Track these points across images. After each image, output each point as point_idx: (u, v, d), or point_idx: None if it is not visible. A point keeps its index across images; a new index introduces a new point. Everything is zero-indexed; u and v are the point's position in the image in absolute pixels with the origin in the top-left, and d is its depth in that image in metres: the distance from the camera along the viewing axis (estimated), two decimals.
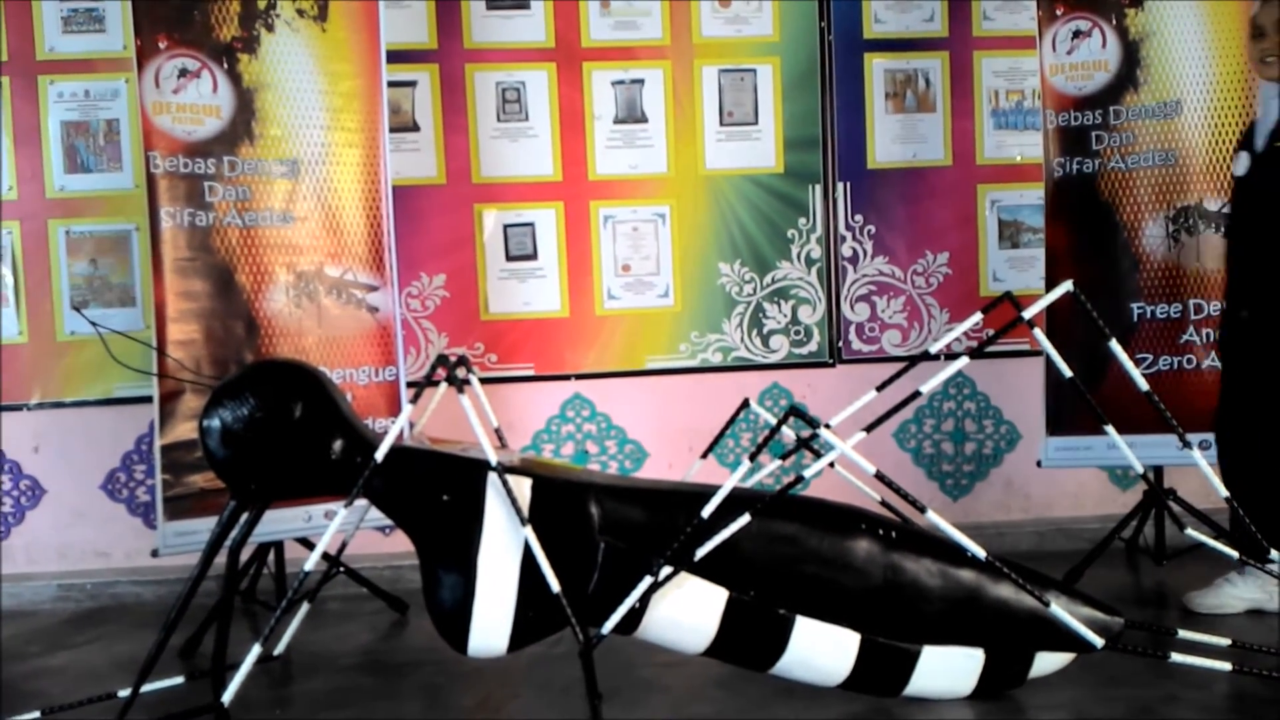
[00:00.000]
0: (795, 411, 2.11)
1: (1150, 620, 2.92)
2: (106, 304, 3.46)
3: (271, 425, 2.10)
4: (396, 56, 3.38)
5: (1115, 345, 2.23)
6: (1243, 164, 2.71)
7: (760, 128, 3.61)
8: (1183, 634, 2.45)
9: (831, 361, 3.68)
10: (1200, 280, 3.20)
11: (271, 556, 3.13)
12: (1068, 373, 2.38)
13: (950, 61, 3.66)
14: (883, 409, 2.17)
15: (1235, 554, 2.44)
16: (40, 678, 2.72)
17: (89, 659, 2.87)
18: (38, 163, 3.44)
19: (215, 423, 2.10)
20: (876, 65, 3.64)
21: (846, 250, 3.67)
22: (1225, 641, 2.45)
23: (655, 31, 3.58)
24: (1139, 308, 3.24)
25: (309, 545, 3.04)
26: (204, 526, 2.84)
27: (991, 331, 2.25)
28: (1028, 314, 2.17)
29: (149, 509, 3.48)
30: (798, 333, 3.66)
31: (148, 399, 2.99)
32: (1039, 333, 2.31)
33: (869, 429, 2.16)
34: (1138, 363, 3.23)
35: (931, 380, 2.18)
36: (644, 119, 3.58)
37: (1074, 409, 3.15)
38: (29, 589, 3.41)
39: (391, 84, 3.34)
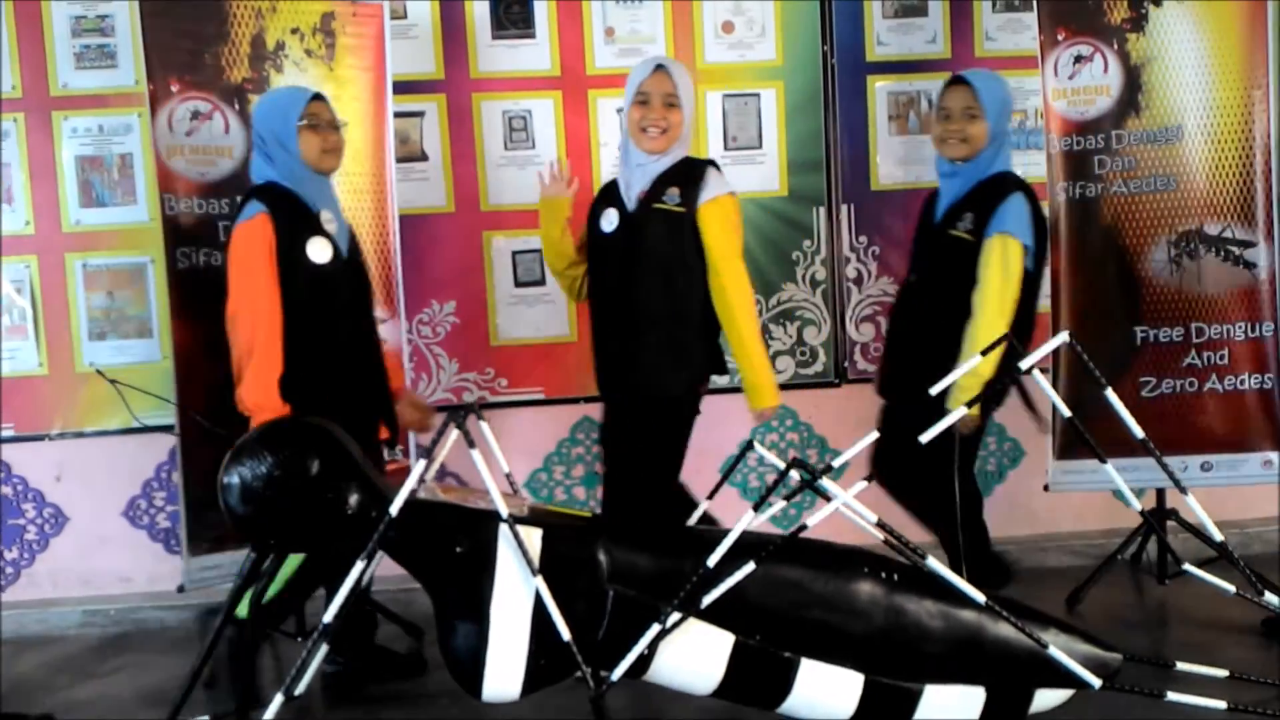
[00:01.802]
0: (798, 463, 2.16)
1: (1151, 644, 3.00)
2: (124, 335, 3.52)
3: (289, 482, 2.16)
4: (403, 87, 3.43)
5: (1111, 395, 2.28)
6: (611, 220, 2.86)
7: (764, 151, 3.65)
8: (1181, 666, 2.50)
9: (837, 382, 3.73)
10: (1202, 304, 3.24)
11: None
12: (1067, 413, 2.43)
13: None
14: None
15: (1231, 588, 2.49)
16: (71, 711, 2.80)
17: (116, 690, 2.96)
18: (54, 197, 3.50)
19: (234, 480, 2.16)
20: (879, 88, 3.67)
21: (851, 271, 3.71)
22: (1223, 673, 2.51)
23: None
24: (1142, 331, 3.27)
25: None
26: (227, 560, 2.93)
27: None
28: (1025, 364, 2.21)
29: (169, 535, 3.57)
30: (803, 354, 3.70)
31: (166, 428, 3.06)
32: (1040, 377, 2.35)
33: (869, 478, 2.22)
34: (1140, 386, 3.28)
35: (931, 430, 2.23)
36: None
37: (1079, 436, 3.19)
38: (55, 615, 3.50)
39: (399, 114, 3.39)
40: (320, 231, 2.65)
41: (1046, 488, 3.40)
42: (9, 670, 3.09)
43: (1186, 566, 2.50)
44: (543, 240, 2.98)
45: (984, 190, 2.82)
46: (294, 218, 2.62)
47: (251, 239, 2.55)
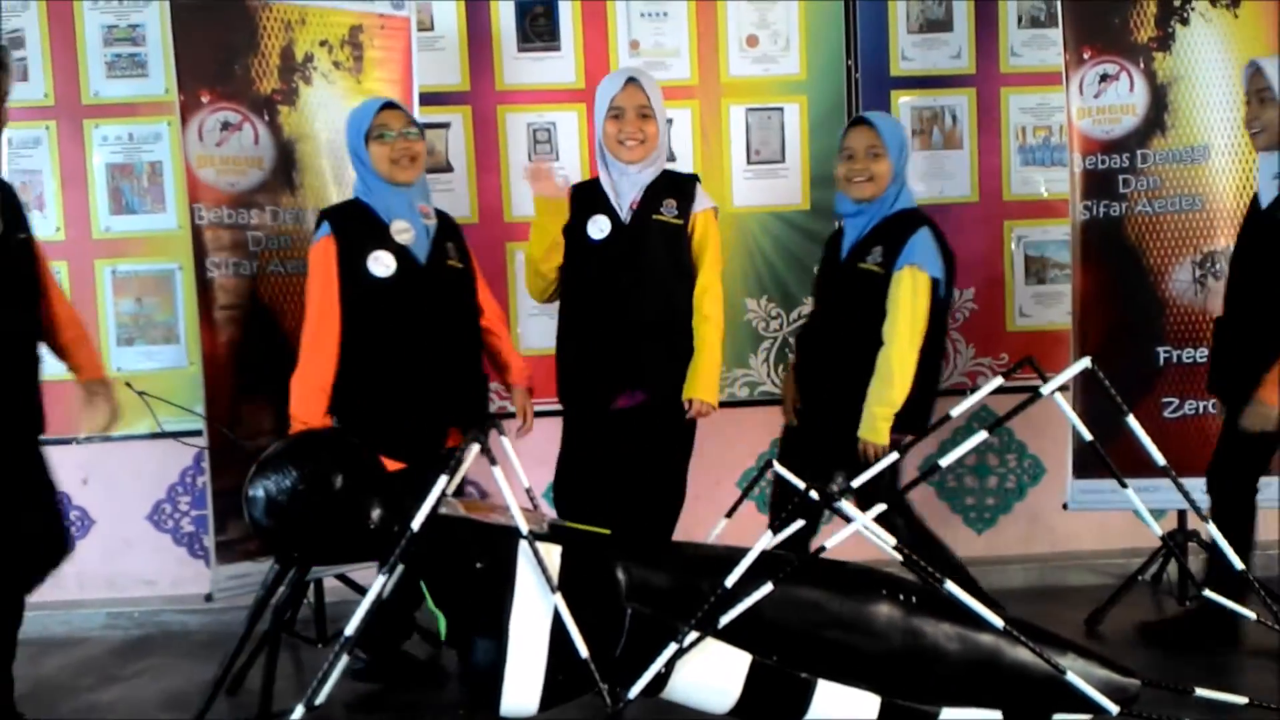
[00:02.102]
0: (815, 486, 2.17)
1: (1170, 667, 2.98)
2: (151, 341, 3.57)
3: (313, 496, 2.18)
4: (430, 99, 3.46)
5: (1133, 421, 2.27)
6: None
7: (787, 165, 3.65)
8: (1200, 692, 2.49)
9: None
10: None
11: (311, 591, 3.23)
12: (1088, 436, 2.42)
13: (977, 98, 3.68)
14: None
15: (1252, 615, 2.48)
16: (94, 713, 2.84)
17: (139, 694, 2.99)
18: (84, 204, 3.55)
19: (259, 493, 2.19)
20: (903, 103, 3.67)
21: None
22: (1243, 700, 2.50)
23: (684, 72, 3.63)
24: (1165, 352, 3.26)
25: (348, 581, 3.15)
26: (255, 570, 2.96)
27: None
28: (1045, 390, 2.21)
29: (193, 539, 3.61)
30: None
31: (193, 432, 3.10)
32: (1061, 400, 2.35)
33: (889, 501, 2.23)
34: (1163, 407, 3.26)
35: (951, 454, 2.23)
36: (673, 158, 3.61)
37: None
38: (79, 616, 3.54)
39: (425, 126, 3.41)
40: (385, 245, 2.70)
41: (1066, 506, 3.39)
42: (33, 671, 3.13)
43: (1206, 592, 2.49)
44: (540, 242, 2.90)
45: (890, 225, 2.83)
46: (360, 233, 2.71)
47: (316, 261, 2.70)
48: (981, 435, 2.24)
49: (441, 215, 2.86)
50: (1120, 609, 3.33)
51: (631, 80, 2.86)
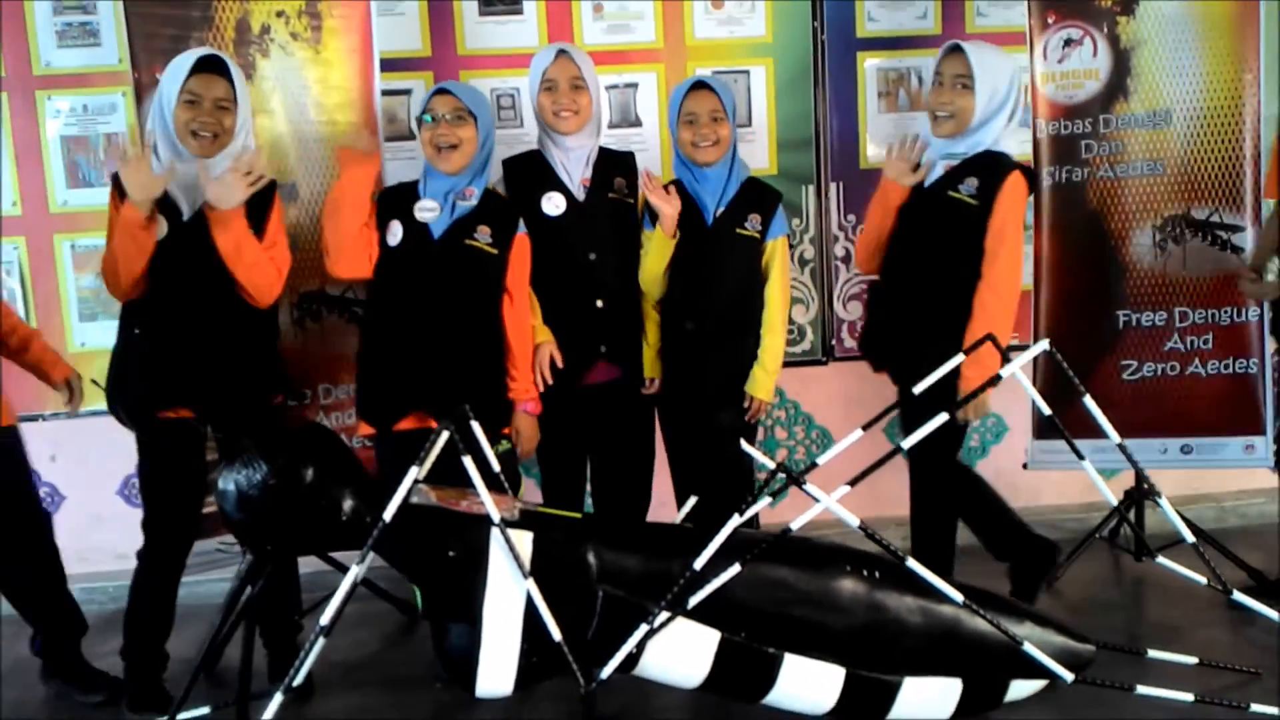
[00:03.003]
0: (782, 468, 2.21)
1: (1125, 623, 3.09)
2: (114, 315, 3.49)
3: (284, 489, 2.20)
4: (390, 65, 3.39)
5: (1089, 401, 2.32)
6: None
7: (754, 129, 3.64)
8: (1152, 654, 2.60)
9: (824, 360, 3.77)
10: (1186, 288, 3.28)
11: None
12: (1047, 411, 2.48)
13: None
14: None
15: (1202, 579, 2.56)
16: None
17: (116, 668, 3.00)
18: (40, 178, 3.48)
19: (230, 487, 2.21)
20: (869, 64, 3.65)
21: (839, 250, 3.73)
22: (1193, 660, 2.60)
23: (648, 34, 3.59)
24: (1125, 315, 3.31)
25: (325, 558, 3.17)
26: (227, 544, 2.99)
27: None
28: (1005, 372, 2.26)
29: None
30: (791, 332, 3.73)
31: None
32: (1021, 377, 2.40)
33: (853, 483, 2.27)
34: (1123, 369, 3.32)
35: (912, 436, 2.28)
36: (638, 123, 3.62)
37: (1061, 414, 3.21)
38: None
39: (386, 93, 3.37)
40: (404, 216, 2.72)
41: (1025, 465, 3.46)
42: (11, 650, 3.16)
43: (1160, 559, 2.57)
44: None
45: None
46: (392, 201, 2.75)
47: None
48: (943, 417, 2.28)
49: (491, 197, 2.80)
50: (1078, 565, 3.43)
51: (562, 52, 2.87)
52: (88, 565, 3.61)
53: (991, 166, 2.78)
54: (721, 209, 2.90)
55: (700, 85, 2.88)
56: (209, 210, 2.58)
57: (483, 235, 2.74)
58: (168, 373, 2.64)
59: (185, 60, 2.62)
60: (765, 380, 2.91)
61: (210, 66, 2.62)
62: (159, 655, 2.81)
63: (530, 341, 2.82)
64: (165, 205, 2.61)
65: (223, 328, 2.66)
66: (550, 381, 2.79)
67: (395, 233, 2.72)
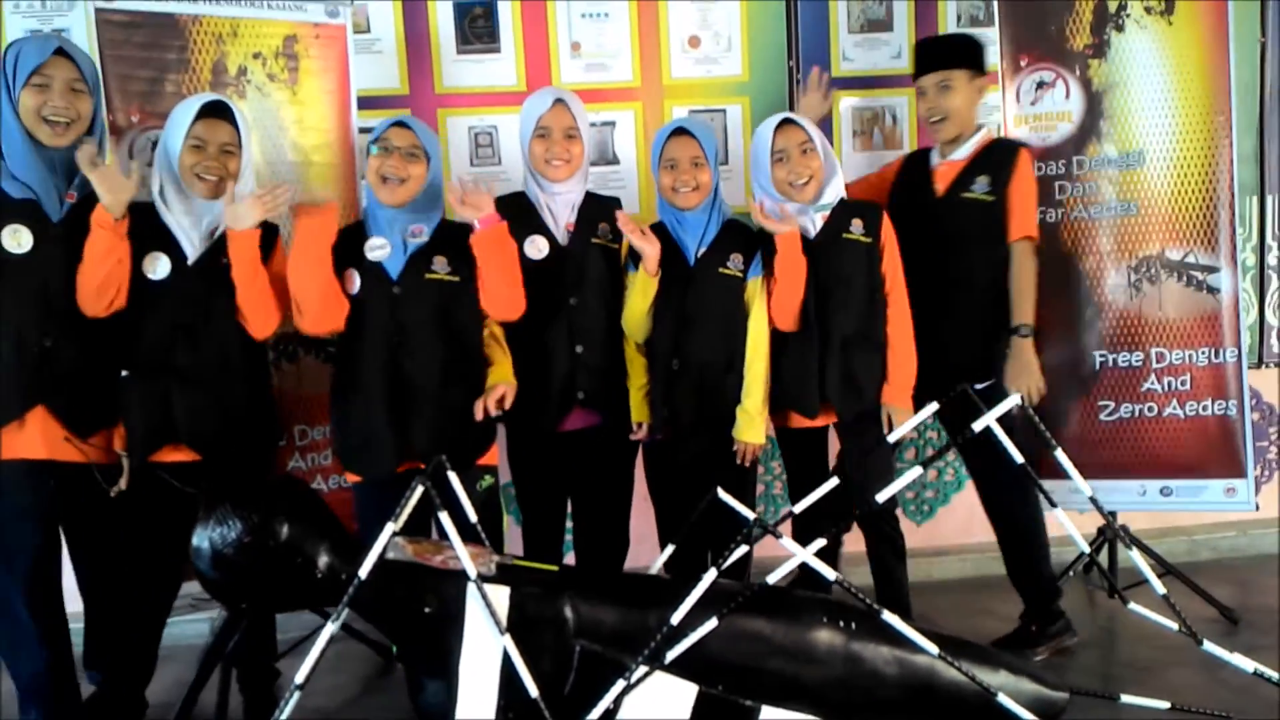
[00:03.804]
0: (760, 523, 2.22)
1: (1099, 662, 3.11)
2: None
3: (258, 547, 2.19)
4: (367, 103, 3.39)
5: (1062, 455, 2.34)
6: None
7: (730, 168, 3.65)
8: (1125, 699, 2.61)
9: None
10: (1163, 329, 3.30)
11: None
12: (1019, 459, 2.49)
13: (917, 98, 3.68)
14: None
15: (1174, 625, 2.58)
16: None
17: None
18: None
19: (204, 545, 2.20)
20: (845, 103, 3.67)
21: None
22: (1165, 705, 2.61)
23: (626, 73, 3.60)
24: (1101, 356, 3.33)
25: None
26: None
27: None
28: (978, 425, 2.27)
29: None
30: None
31: None
32: (997, 428, 2.41)
33: (829, 536, 2.29)
34: (1099, 409, 3.35)
35: (887, 490, 2.29)
36: (616, 161, 3.62)
37: (1038, 455, 3.20)
38: None
39: (364, 130, 3.35)
40: (356, 261, 2.68)
41: None
42: None
43: (1132, 606, 2.59)
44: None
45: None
46: (342, 245, 2.67)
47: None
48: (916, 471, 2.30)
49: (442, 227, 2.78)
50: None
51: (559, 101, 2.87)
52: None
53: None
54: (703, 249, 2.92)
55: (681, 131, 2.89)
56: (230, 233, 2.58)
57: (440, 265, 2.72)
58: (165, 415, 2.60)
59: (191, 105, 2.62)
60: (748, 422, 2.90)
61: (215, 111, 2.62)
62: (138, 701, 2.78)
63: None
64: (169, 246, 2.61)
65: (224, 370, 2.65)
66: (493, 414, 2.71)
67: (354, 282, 2.69)
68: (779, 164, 2.90)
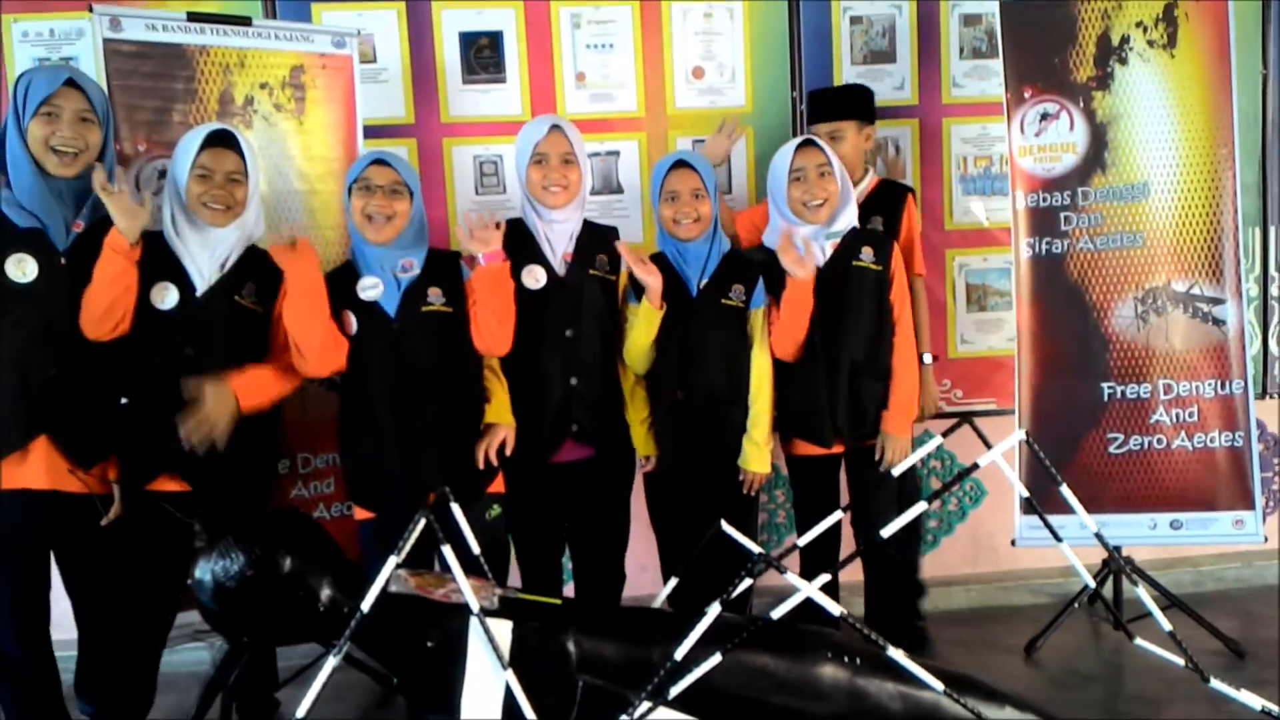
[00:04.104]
0: (765, 558, 2.21)
1: (1104, 696, 3.10)
2: None
3: (261, 580, 2.19)
4: (373, 131, 3.40)
5: (1066, 491, 2.33)
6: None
7: (733, 196, 3.66)
8: None
9: None
10: (1170, 361, 3.30)
11: None
12: (1024, 493, 2.49)
13: (920, 128, 3.71)
14: None
15: (1180, 661, 2.57)
16: None
17: None
18: None
19: (207, 577, 2.19)
20: None
21: None
22: None
23: (630, 104, 3.61)
24: (1109, 387, 3.33)
25: None
26: None
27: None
28: (983, 461, 2.27)
29: None
30: None
31: None
32: (1004, 463, 2.40)
33: (833, 572, 2.28)
34: (1108, 442, 3.34)
35: (891, 525, 2.29)
36: (619, 190, 3.63)
37: (1046, 490, 3.16)
38: None
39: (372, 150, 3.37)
40: (351, 302, 2.68)
41: (1014, 542, 3.43)
42: None
43: (1139, 642, 2.58)
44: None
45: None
46: (337, 289, 2.67)
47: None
48: (921, 506, 2.29)
49: (431, 255, 2.78)
50: (1058, 634, 3.43)
51: (555, 127, 2.88)
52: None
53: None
54: (705, 280, 2.92)
55: (681, 163, 2.90)
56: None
57: (435, 297, 2.72)
58: (163, 445, 2.58)
59: (196, 135, 2.63)
60: (755, 452, 2.91)
61: (220, 141, 2.63)
62: None
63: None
64: (178, 277, 2.61)
65: None
66: (495, 463, 2.73)
67: (352, 322, 2.69)
68: (796, 183, 2.93)
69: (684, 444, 2.90)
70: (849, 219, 2.98)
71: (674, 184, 2.89)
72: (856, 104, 3.27)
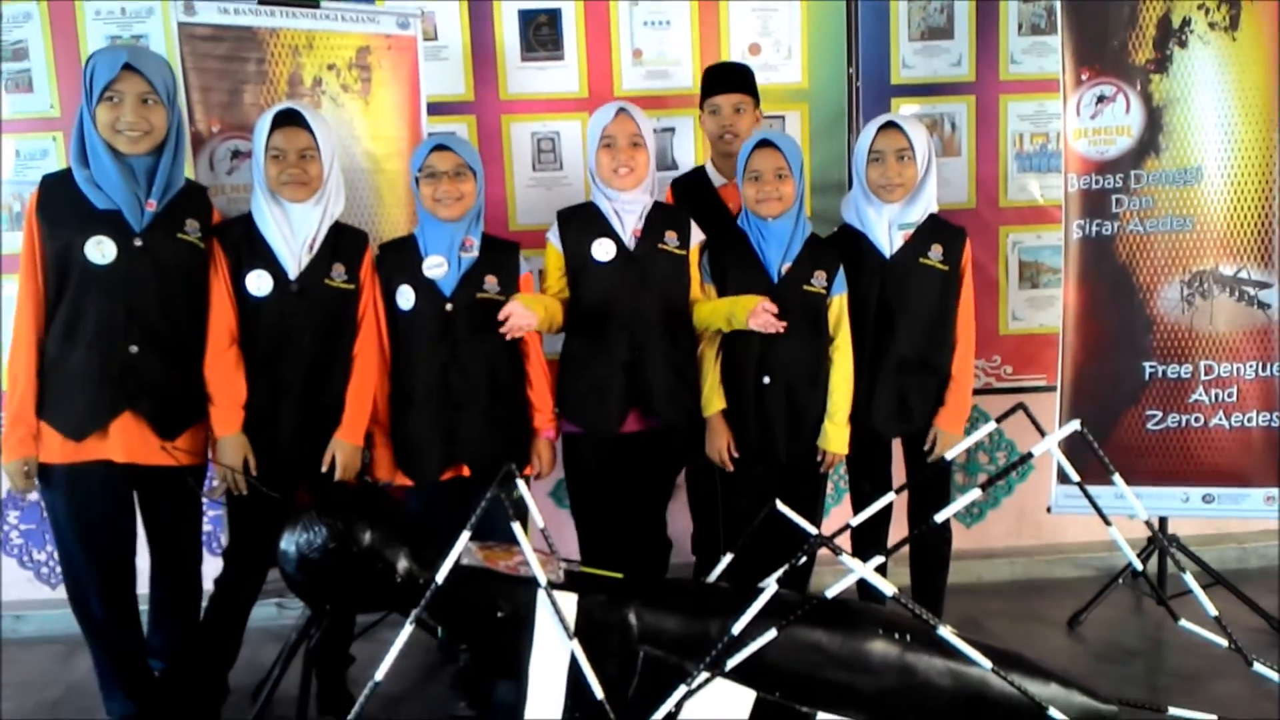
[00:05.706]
0: (821, 538, 2.30)
1: (1146, 672, 3.17)
2: None
3: (342, 552, 2.31)
4: (434, 109, 3.48)
5: (1119, 480, 2.39)
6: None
7: None
8: (1172, 711, 2.66)
9: None
10: (1211, 342, 3.32)
11: None
12: (1075, 477, 2.55)
13: (976, 105, 3.72)
14: None
15: (1224, 642, 2.63)
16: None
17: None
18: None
19: (291, 549, 2.32)
20: (903, 110, 3.70)
21: None
22: (1213, 717, 2.67)
23: (686, 80, 3.65)
24: (1151, 367, 3.36)
25: None
26: None
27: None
28: (1037, 450, 2.33)
29: (23, 551, 3.80)
30: None
31: None
32: (1058, 453, 2.46)
33: (887, 554, 2.36)
34: (1147, 419, 3.38)
35: (946, 510, 2.36)
36: (674, 166, 3.68)
37: (1084, 459, 3.22)
38: None
39: (430, 135, 3.45)
40: (411, 279, 2.81)
41: (1049, 509, 3.51)
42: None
43: (1183, 623, 2.64)
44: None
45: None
46: (398, 263, 2.83)
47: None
48: (975, 493, 2.36)
49: (493, 244, 2.90)
50: (1101, 608, 3.50)
51: (622, 110, 2.95)
52: None
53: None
54: (788, 264, 2.97)
55: (765, 143, 2.94)
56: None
57: (491, 285, 2.85)
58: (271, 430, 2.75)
59: (265, 118, 2.74)
60: (836, 433, 2.97)
61: (289, 120, 2.73)
62: (220, 686, 2.91)
63: (547, 371, 2.97)
64: (270, 264, 2.72)
65: (325, 387, 2.78)
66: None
67: (407, 297, 2.81)
68: (874, 164, 2.96)
69: (769, 427, 2.97)
70: (925, 206, 3.00)
71: (757, 163, 2.93)
72: (752, 83, 3.27)
